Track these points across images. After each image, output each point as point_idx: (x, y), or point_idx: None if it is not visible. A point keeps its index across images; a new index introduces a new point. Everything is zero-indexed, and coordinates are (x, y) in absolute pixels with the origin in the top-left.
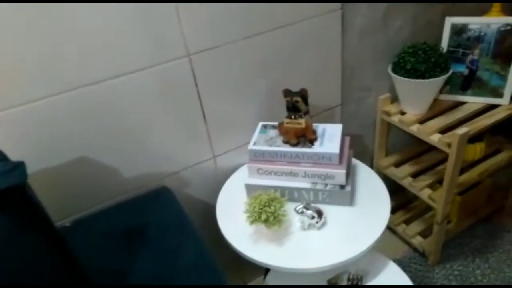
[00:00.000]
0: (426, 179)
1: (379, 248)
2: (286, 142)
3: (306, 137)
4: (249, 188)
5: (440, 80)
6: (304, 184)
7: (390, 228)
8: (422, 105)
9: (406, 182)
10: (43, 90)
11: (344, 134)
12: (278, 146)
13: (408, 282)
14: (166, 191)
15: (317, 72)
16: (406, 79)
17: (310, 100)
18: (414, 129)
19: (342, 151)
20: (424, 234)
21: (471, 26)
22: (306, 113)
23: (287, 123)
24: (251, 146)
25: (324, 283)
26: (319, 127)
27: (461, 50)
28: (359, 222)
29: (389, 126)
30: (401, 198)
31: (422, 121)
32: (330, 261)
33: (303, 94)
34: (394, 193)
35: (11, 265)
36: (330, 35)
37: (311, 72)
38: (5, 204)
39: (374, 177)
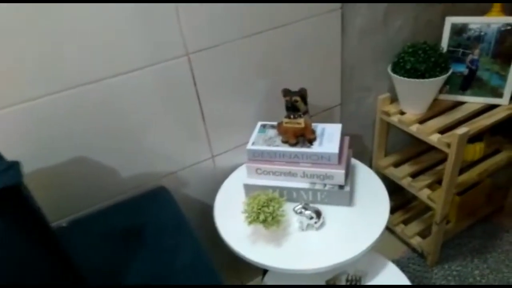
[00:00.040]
0: (425, 179)
1: (377, 248)
2: (285, 142)
3: (305, 137)
4: (248, 188)
5: (440, 80)
6: (303, 184)
7: (388, 228)
8: (422, 105)
9: (405, 182)
10: (40, 89)
11: (343, 134)
12: (277, 146)
13: (407, 283)
14: (163, 191)
15: (316, 72)
16: (406, 79)
17: (309, 99)
18: (414, 129)
19: (341, 151)
20: (423, 234)
21: (471, 26)
22: (305, 112)
23: (286, 122)
24: (249, 146)
25: (323, 284)
26: (318, 127)
27: (461, 50)
28: (358, 223)
29: (389, 126)
30: (400, 198)
31: (421, 121)
32: (329, 262)
33: (302, 94)
34: (393, 193)
35: (4, 265)
36: (329, 35)
37: (311, 71)
38: None
39: (373, 177)
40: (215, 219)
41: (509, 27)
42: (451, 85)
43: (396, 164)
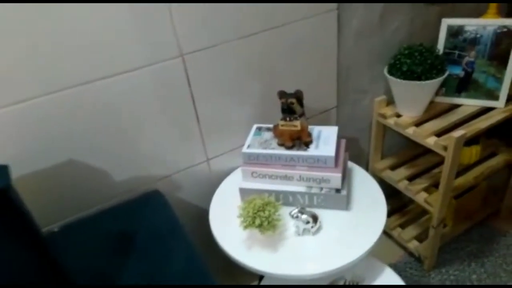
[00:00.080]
0: (422, 183)
1: (374, 253)
2: (281, 144)
3: (301, 140)
4: (243, 192)
5: (436, 82)
6: (299, 188)
7: (385, 232)
8: (418, 107)
9: (402, 186)
10: (31, 90)
11: (339, 137)
12: (273, 148)
13: None
14: (157, 194)
15: (312, 74)
16: (402, 81)
17: (305, 102)
18: (410, 131)
19: (337, 154)
20: (420, 238)
21: (467, 28)
22: (302, 115)
23: (282, 125)
24: (245, 149)
25: None
26: (315, 130)
27: (457, 52)
28: (355, 227)
29: (385, 129)
30: (396, 202)
31: (418, 124)
32: (326, 268)
33: (298, 96)
34: (390, 196)
35: None
36: (326, 36)
37: (307, 73)
38: None
39: (370, 180)
40: (210, 224)
41: (505, 29)
42: (447, 87)
43: (393, 167)
